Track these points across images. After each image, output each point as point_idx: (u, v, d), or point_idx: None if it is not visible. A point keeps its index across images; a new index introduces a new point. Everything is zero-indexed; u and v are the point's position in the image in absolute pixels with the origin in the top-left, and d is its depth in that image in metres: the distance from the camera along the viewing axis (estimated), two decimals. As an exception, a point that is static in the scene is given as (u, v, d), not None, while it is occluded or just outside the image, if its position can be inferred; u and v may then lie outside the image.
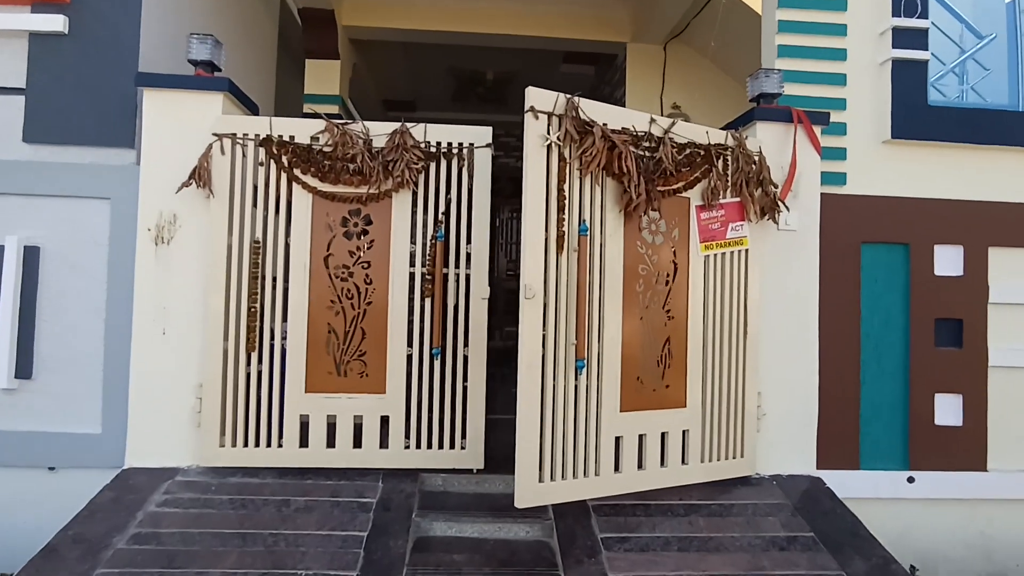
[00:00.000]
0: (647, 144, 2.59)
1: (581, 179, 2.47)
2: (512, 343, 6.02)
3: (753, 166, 2.83)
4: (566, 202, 2.41)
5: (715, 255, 2.82)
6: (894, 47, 3.24)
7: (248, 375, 2.76)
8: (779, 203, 2.89)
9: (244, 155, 2.78)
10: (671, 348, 2.69)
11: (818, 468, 3.04)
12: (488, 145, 2.87)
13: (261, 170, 2.79)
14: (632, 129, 2.56)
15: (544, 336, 2.36)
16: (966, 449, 3.15)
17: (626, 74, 5.32)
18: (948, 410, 3.16)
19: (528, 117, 2.36)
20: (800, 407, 3.01)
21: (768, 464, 2.97)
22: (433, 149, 2.85)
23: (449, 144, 2.86)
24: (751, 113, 3.05)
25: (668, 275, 2.69)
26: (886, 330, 3.18)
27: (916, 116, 3.24)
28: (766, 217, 2.88)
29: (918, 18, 3.27)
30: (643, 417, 2.61)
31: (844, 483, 3.00)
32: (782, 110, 3.03)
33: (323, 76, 5.03)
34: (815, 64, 3.25)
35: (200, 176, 2.69)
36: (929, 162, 3.26)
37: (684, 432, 2.73)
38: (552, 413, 2.39)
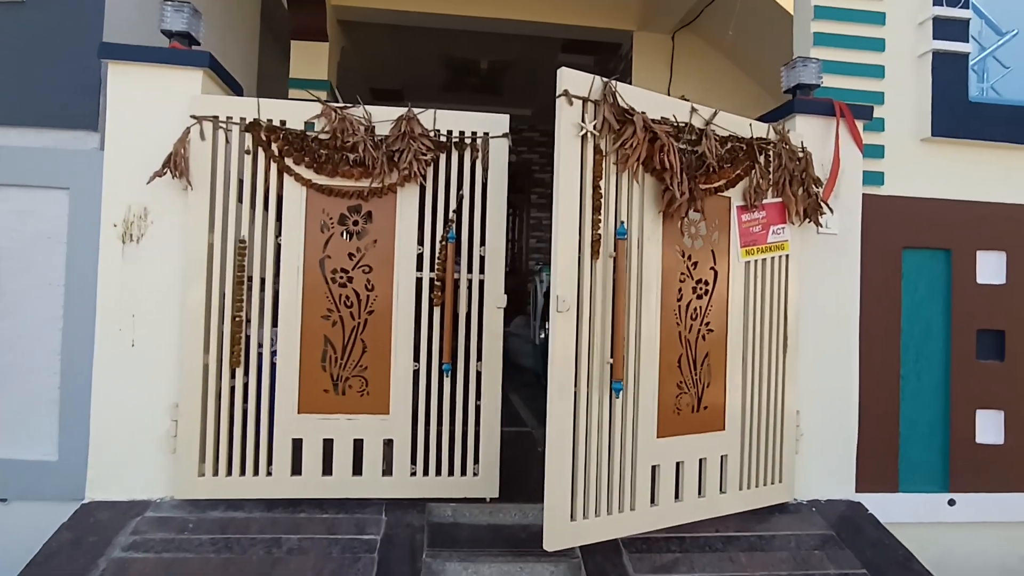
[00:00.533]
0: (688, 137, 2.31)
1: (618, 175, 2.18)
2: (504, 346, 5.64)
3: (797, 163, 2.57)
4: (602, 201, 2.12)
5: (755, 261, 2.56)
6: (935, 38, 3.02)
7: (232, 393, 2.42)
8: (822, 204, 2.64)
9: (227, 141, 2.43)
10: (710, 364, 2.43)
11: (856, 491, 2.81)
12: (505, 135, 2.56)
13: (247, 159, 2.44)
14: (673, 119, 2.28)
15: (578, 354, 2.07)
16: (1008, 469, 2.96)
17: (632, 65, 5.04)
18: (989, 427, 2.97)
19: (561, 103, 2.06)
20: (839, 425, 2.78)
21: (805, 488, 2.73)
22: (443, 138, 2.53)
23: (461, 133, 2.55)
24: (790, 105, 2.79)
25: (707, 283, 2.42)
26: (926, 341, 2.97)
27: (957, 113, 3.02)
28: (808, 220, 2.63)
29: (960, 8, 3.05)
30: (680, 443, 2.34)
31: (883, 507, 2.78)
32: (823, 103, 2.78)
33: (310, 59, 4.64)
34: (852, 54, 3.01)
35: (175, 164, 2.33)
36: (970, 162, 3.05)
37: (722, 457, 2.47)
38: (585, 442, 2.11)
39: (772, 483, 2.61)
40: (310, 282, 2.45)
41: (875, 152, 2.98)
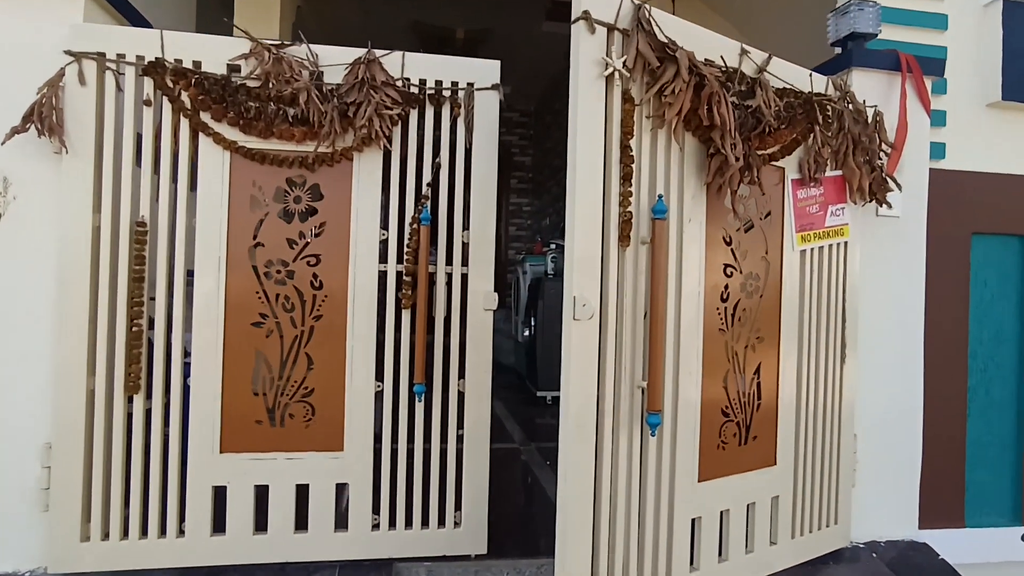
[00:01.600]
0: (737, 87, 1.75)
1: (654, 133, 1.61)
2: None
3: (864, 126, 2.04)
4: (633, 167, 1.55)
5: (810, 250, 2.03)
6: (1006, -16, 2.52)
7: (129, 428, 1.80)
8: (888, 179, 2.13)
9: (119, 88, 1.80)
10: (760, 382, 1.89)
11: (918, 528, 2.33)
12: (495, 87, 1.98)
13: (148, 112, 1.81)
14: (722, 63, 1.72)
15: (600, 377, 1.51)
16: (1086, 497, 2.51)
17: (628, 29, 4.46)
18: (1066, 448, 2.51)
19: (578, 30, 1.48)
20: (901, 451, 2.28)
21: (862, 528, 2.23)
22: (415, 89, 1.94)
23: (438, 83, 1.96)
24: (846, 57, 2.26)
25: (758, 278, 1.88)
26: (997, 347, 2.48)
27: (1031, 73, 2.53)
28: (871, 199, 2.11)
29: (1034, -52, 2.55)
30: (726, 486, 1.80)
31: (948, 546, 2.30)
32: (886, 55, 2.26)
33: (258, 13, 3.95)
34: (909, 0, 2.49)
35: (42, 118, 1.69)
36: (1047, 133, 2.57)
37: (774, 500, 1.94)
38: (611, 497, 1.55)
39: (827, 526, 2.10)
40: (236, 278, 1.84)
41: (936, 119, 2.47)
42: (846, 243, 2.12)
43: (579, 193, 1.48)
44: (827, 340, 2.07)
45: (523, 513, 2.41)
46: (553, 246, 5.04)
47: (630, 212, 1.53)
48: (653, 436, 1.54)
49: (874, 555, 2.17)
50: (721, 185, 1.67)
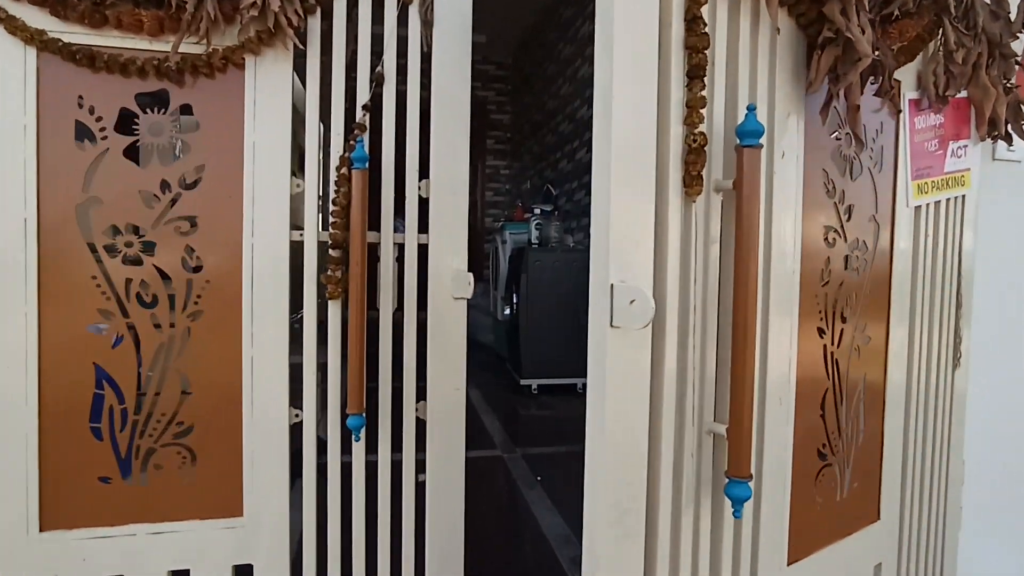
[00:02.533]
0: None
1: (733, 6, 0.95)
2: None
3: (1006, 26, 1.40)
4: (706, 57, 0.89)
5: (925, 205, 1.41)
6: None
7: None
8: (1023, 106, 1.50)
9: None
10: (865, 403, 1.28)
11: (1026, 572, 1.79)
12: (466, -43, 1.29)
13: None
14: None
15: (653, 424, 0.87)
16: None
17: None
18: None
19: None
20: (1012, 467, 1.72)
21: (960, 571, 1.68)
22: (340, -43, 1.24)
23: (377, -50, 1.26)
24: (960, -65, 1.61)
25: (866, 247, 1.26)
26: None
27: None
28: (1003, 134, 1.49)
29: None
30: (821, 564, 1.20)
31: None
32: (1014, -68, 1.61)
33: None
34: None
35: None
36: None
37: (876, 569, 1.35)
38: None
39: (930, 587, 1.53)
40: (56, 253, 1.15)
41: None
42: (964, 197, 1.51)
43: (617, 103, 0.82)
44: (940, 334, 1.47)
45: (510, 555, 1.81)
46: (537, 211, 4.40)
47: (701, 132, 0.87)
48: (738, 517, 0.92)
49: (982, 618, 1.61)
50: (834, 95, 1.02)
